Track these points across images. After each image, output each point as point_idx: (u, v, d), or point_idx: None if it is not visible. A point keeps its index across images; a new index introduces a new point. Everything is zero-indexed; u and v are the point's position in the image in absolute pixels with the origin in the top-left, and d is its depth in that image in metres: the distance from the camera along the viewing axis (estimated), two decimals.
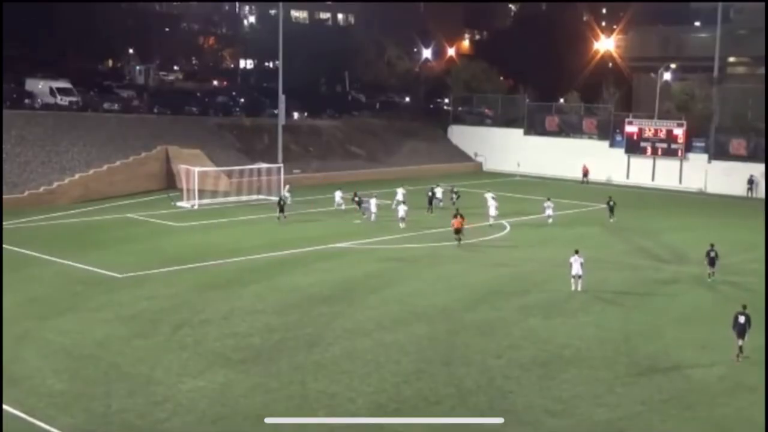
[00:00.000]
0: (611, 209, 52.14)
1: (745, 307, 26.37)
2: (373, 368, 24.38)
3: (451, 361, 25.11)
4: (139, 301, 31.01)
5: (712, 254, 36.38)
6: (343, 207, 53.05)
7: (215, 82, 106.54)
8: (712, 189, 68.53)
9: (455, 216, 43.17)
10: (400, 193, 53.66)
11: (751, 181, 66.33)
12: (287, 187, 56.03)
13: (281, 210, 49.12)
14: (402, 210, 47.98)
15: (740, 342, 25.68)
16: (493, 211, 48.82)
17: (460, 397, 22.37)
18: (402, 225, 47.35)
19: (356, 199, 51.34)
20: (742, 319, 25.81)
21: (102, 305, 30.50)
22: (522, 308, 31.11)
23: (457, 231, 42.41)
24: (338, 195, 53.91)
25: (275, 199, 53.80)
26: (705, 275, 36.73)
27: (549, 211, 50.50)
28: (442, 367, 24.65)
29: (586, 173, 74.06)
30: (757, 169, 66.24)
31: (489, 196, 51.23)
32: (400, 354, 25.68)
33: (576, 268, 33.42)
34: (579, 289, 33.45)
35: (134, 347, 25.90)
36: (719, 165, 68.72)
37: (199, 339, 26.76)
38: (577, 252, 33.77)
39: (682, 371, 24.76)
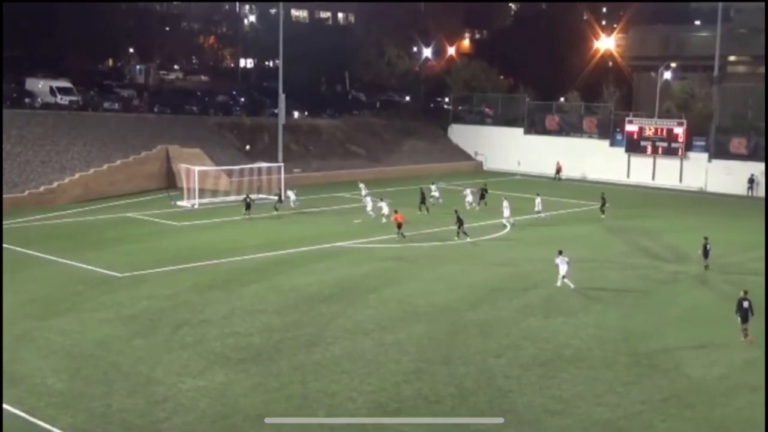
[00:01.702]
0: (603, 204, 52.96)
1: (746, 292, 27.60)
2: (373, 368, 24.39)
3: (451, 361, 25.11)
4: (139, 301, 31.02)
5: (708, 247, 37.51)
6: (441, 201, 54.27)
7: (202, 77, 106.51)
8: (712, 188, 68.54)
9: (396, 211, 44.56)
10: (363, 188, 55.79)
11: (751, 180, 66.34)
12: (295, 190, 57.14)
13: (247, 207, 49.79)
14: (386, 207, 48.29)
15: (745, 326, 26.95)
16: (507, 212, 48.55)
17: (461, 397, 22.38)
18: (384, 220, 47.59)
19: (280, 194, 53.16)
20: (746, 304, 27.05)
21: (102, 305, 30.51)
22: (522, 308, 31.12)
23: (399, 226, 43.05)
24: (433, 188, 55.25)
25: (275, 198, 53.89)
26: (706, 275, 36.97)
27: (538, 207, 50.94)
28: (442, 366, 24.65)
29: (558, 170, 74.68)
30: (757, 168, 66.25)
31: (504, 202, 50.98)
32: (400, 353, 25.69)
33: (563, 269, 33.74)
34: (572, 286, 33.57)
35: (134, 347, 25.90)
36: (719, 164, 68.73)
37: (199, 339, 26.77)
38: (561, 252, 34.06)
39: (682, 371, 24.77)
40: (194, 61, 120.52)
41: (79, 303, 30.80)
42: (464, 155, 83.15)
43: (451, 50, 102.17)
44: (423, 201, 52.66)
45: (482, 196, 54.70)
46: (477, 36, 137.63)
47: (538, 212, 50.99)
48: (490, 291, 33.56)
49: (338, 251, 41.16)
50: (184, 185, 56.24)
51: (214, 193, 58.25)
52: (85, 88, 78.56)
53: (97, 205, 53.10)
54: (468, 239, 43.52)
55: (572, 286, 33.63)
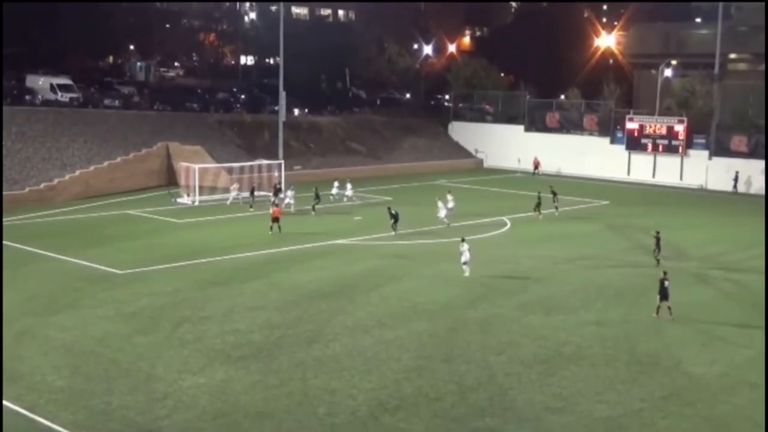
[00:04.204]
0: (554, 197, 51.20)
1: (666, 273, 30.29)
2: (373, 365, 24.39)
3: (451, 358, 25.11)
4: (139, 298, 31.02)
5: (660, 240, 38.05)
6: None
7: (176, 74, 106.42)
8: (712, 186, 68.45)
9: (276, 205, 45.43)
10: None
11: (736, 178, 66.15)
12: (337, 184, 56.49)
13: (316, 196, 51.64)
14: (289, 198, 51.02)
15: (668, 303, 29.40)
16: (443, 212, 46.90)
17: (461, 394, 22.37)
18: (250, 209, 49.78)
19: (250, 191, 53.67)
20: (666, 284, 29.49)
21: (102, 302, 30.50)
22: (522, 305, 31.12)
23: (275, 220, 43.50)
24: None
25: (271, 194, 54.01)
26: (705, 271, 37.12)
27: (449, 204, 48.67)
28: (442, 363, 24.65)
29: (537, 165, 75.04)
30: (758, 165, 66.08)
31: (448, 197, 49.73)
32: (400, 351, 25.68)
33: (465, 256, 34.89)
34: (467, 274, 34.68)
35: (134, 344, 25.90)
36: (720, 162, 68.64)
37: (200, 336, 26.77)
38: (463, 240, 35.46)
39: (683, 368, 24.77)
40: (194, 58, 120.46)
41: (80, 300, 30.79)
42: (464, 153, 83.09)
43: (452, 47, 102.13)
44: (317, 198, 51.57)
45: (553, 200, 51.72)
46: (477, 33, 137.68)
47: (450, 208, 48.28)
48: (491, 288, 33.55)
49: (338, 248, 41.14)
50: (184, 182, 56.21)
51: (214, 190, 58.20)
52: (85, 85, 78.48)
53: (98, 203, 53.07)
54: (395, 233, 43.60)
55: (466, 274, 34.80)
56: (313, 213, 50.22)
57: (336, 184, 56.30)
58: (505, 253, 40.79)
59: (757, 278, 35.68)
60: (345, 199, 55.17)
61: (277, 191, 52.88)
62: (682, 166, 70.70)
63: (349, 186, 55.86)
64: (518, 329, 28.17)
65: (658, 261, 37.42)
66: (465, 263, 35.05)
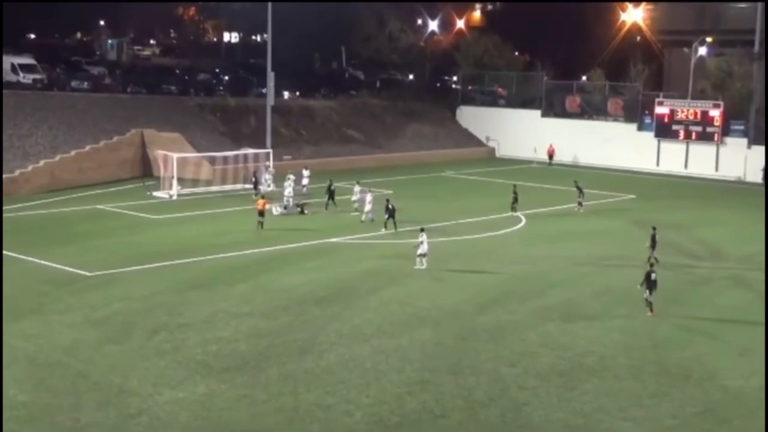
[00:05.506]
0: (580, 193, 51.47)
1: (652, 265, 31.89)
2: (372, 378, 24.44)
3: (459, 370, 25.17)
4: (111, 303, 31.06)
5: (656, 237, 38.40)
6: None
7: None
8: (752, 177, 68.44)
9: (263, 197, 46.46)
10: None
11: (766, 169, 66.18)
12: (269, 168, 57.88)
13: (255, 186, 53.50)
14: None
15: (650, 297, 30.40)
16: (368, 207, 46.62)
17: (470, 410, 22.43)
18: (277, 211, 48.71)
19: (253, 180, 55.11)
20: (653, 276, 30.55)
21: (70, 307, 30.55)
22: (538, 311, 31.16)
23: (261, 213, 44.14)
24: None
25: (265, 188, 54.01)
26: (743, 272, 37.08)
27: (357, 195, 48.30)
28: (449, 376, 24.71)
29: (551, 155, 75.34)
30: None
31: (357, 189, 49.67)
32: (402, 362, 25.74)
33: (423, 248, 36.00)
34: (424, 266, 36.00)
35: (106, 354, 25.95)
36: (760, 151, 68.60)
37: (178, 345, 26.82)
38: (422, 230, 36.66)
39: (718, 381, 24.81)
40: (172, 34, 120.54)
41: (45, 305, 30.84)
42: (474, 140, 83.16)
43: (460, 23, 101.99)
44: (332, 197, 50.30)
45: (578, 195, 51.85)
46: (489, 7, 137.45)
47: (359, 201, 48.05)
48: (503, 292, 33.61)
49: (334, 247, 41.21)
50: (161, 174, 56.28)
51: (195, 182, 58.29)
52: (50, 65, 78.62)
53: (65, 196, 53.14)
54: (381, 231, 43.97)
55: (424, 266, 35.94)
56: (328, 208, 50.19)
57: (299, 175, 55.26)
58: (519, 252, 40.86)
59: None
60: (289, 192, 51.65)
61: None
62: (717, 155, 70.74)
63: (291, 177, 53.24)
64: (534, 338, 28.22)
65: (649, 259, 37.19)
66: (422, 255, 36.10)
